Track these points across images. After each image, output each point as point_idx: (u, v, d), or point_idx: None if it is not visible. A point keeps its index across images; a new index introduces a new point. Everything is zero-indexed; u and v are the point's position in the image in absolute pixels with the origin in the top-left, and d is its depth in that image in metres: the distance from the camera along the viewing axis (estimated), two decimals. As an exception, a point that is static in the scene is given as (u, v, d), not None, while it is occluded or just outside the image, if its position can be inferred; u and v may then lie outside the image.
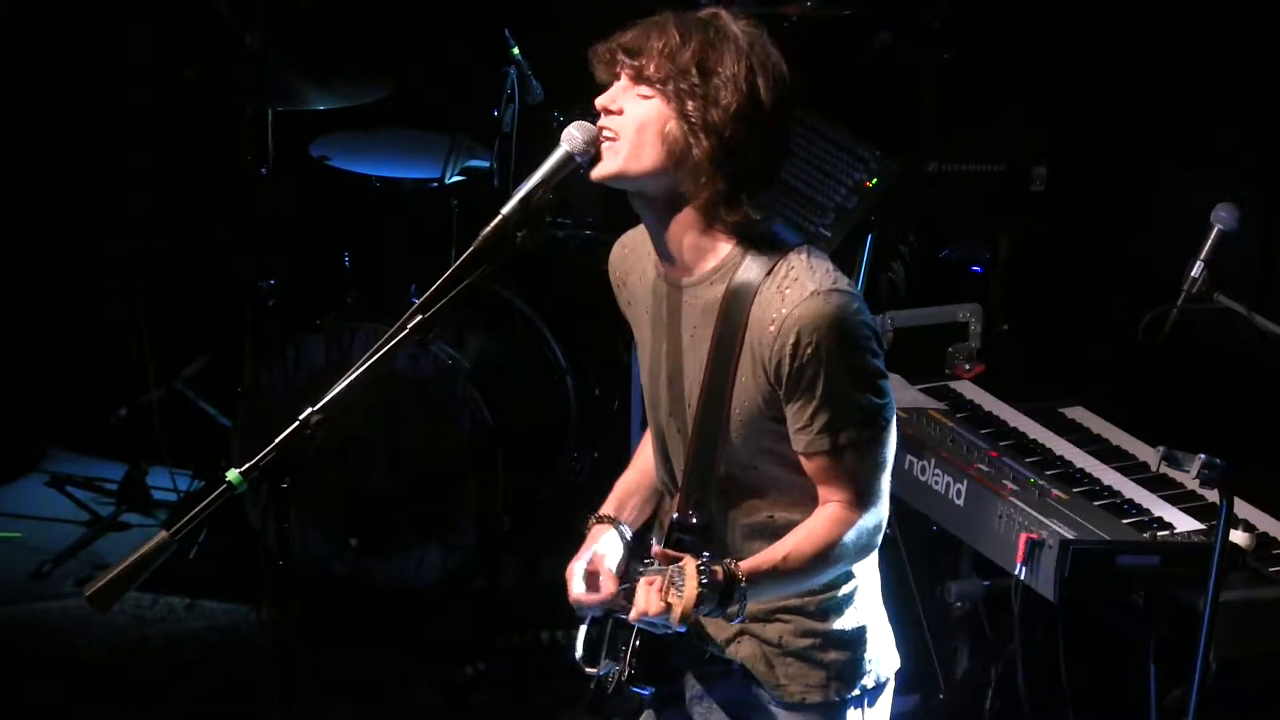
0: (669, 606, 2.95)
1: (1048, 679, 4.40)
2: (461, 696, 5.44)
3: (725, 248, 3.12)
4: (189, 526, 2.90)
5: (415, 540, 5.74)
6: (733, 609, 3.04)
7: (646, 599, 2.99)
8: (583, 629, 3.29)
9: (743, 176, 3.07)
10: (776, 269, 3.08)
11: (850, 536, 3.12)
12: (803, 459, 3.12)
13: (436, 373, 5.70)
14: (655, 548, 3.17)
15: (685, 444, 3.22)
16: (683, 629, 3.00)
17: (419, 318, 3.00)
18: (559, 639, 5.60)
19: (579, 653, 3.29)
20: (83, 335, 6.71)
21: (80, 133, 6.60)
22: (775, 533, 3.18)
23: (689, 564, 2.95)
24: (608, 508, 3.39)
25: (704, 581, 2.94)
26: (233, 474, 2.89)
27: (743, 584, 3.02)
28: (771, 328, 3.05)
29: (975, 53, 5.83)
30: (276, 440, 2.92)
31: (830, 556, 3.13)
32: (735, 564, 3.04)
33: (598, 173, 3.11)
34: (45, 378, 6.66)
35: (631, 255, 3.33)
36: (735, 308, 3.10)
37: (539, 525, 5.98)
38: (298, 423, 2.92)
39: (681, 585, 2.95)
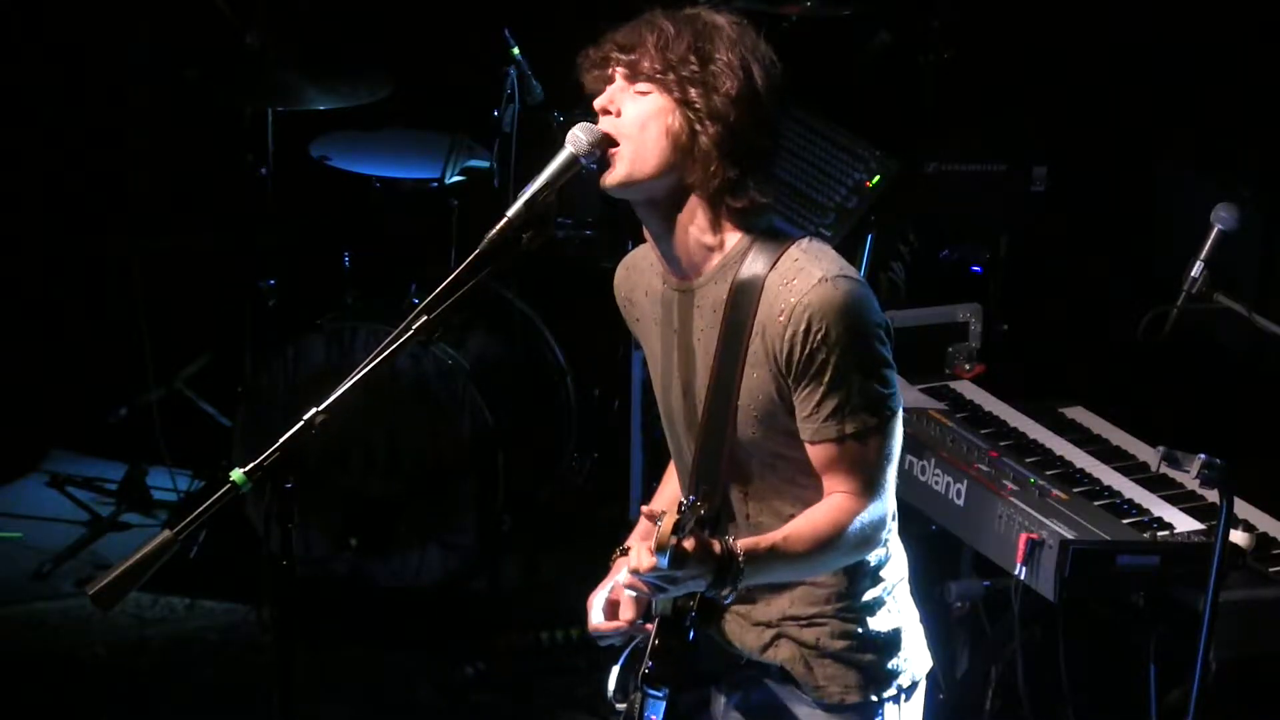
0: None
1: (1048, 679, 4.40)
2: (461, 696, 5.44)
3: (731, 240, 3.12)
4: (192, 526, 2.90)
5: (415, 541, 5.74)
6: (726, 589, 3.03)
7: (637, 557, 2.96)
8: (615, 668, 3.28)
9: (747, 161, 3.08)
10: (782, 260, 3.09)
11: (853, 527, 3.11)
12: (809, 448, 3.11)
13: (436, 373, 5.70)
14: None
15: (694, 444, 3.22)
16: (663, 560, 2.91)
17: (424, 318, 3.00)
18: (559, 639, 5.60)
19: (611, 690, 3.27)
20: (83, 335, 6.71)
21: (80, 133, 6.60)
22: None
23: (672, 508, 2.95)
24: (633, 540, 3.36)
25: (682, 513, 2.90)
26: (236, 474, 2.89)
27: (740, 559, 3.01)
28: (781, 317, 3.06)
29: (975, 53, 5.84)
30: (280, 440, 2.92)
31: (831, 544, 3.11)
32: (734, 541, 3.04)
33: (608, 180, 3.11)
34: (45, 378, 6.66)
35: (634, 273, 3.32)
36: (742, 301, 3.10)
37: (539, 525, 5.98)
38: (302, 423, 2.92)
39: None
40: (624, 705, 3.25)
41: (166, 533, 2.90)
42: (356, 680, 5.49)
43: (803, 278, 3.06)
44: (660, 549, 2.91)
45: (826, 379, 3.05)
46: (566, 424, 6.10)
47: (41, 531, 6.18)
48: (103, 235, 6.58)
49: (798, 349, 3.05)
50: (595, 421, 6.17)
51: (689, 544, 2.95)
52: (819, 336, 3.04)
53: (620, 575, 3.20)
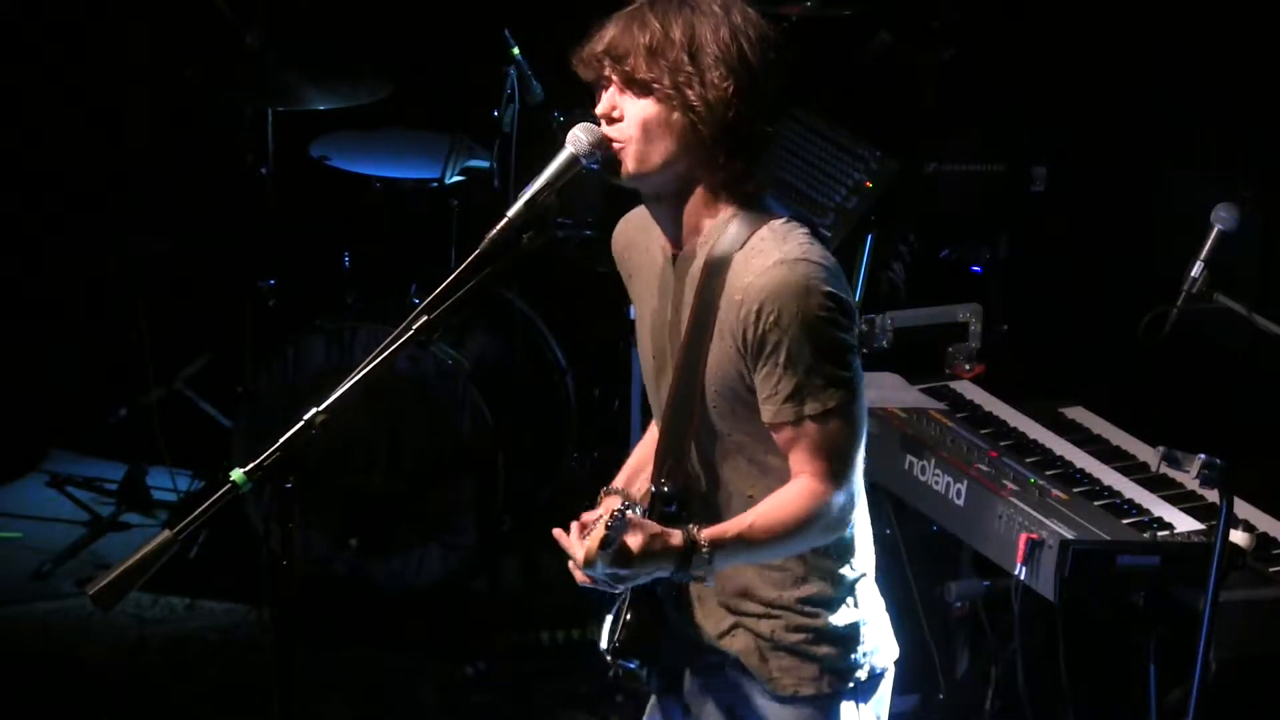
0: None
1: (1048, 679, 4.40)
2: (461, 696, 5.44)
3: (718, 215, 3.14)
4: (192, 526, 2.90)
5: (415, 540, 5.74)
6: (698, 572, 3.05)
7: (583, 549, 3.01)
8: (608, 619, 3.29)
9: (751, 147, 3.10)
10: (751, 238, 3.10)
11: (818, 511, 3.12)
12: (771, 430, 3.12)
13: (436, 373, 5.70)
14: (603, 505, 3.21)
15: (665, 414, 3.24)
16: (593, 573, 2.99)
17: (424, 319, 3.00)
18: (559, 639, 5.60)
19: (604, 643, 3.29)
20: (83, 335, 6.71)
21: (80, 133, 6.60)
22: None
23: (606, 512, 2.97)
24: (618, 480, 3.40)
25: (610, 526, 2.93)
26: (236, 474, 2.89)
27: (704, 548, 3.04)
28: (738, 296, 3.07)
29: (975, 53, 5.84)
30: (281, 440, 2.92)
31: (798, 528, 3.12)
32: (698, 529, 3.06)
33: (616, 177, 3.12)
34: (45, 378, 6.66)
35: (634, 230, 3.34)
36: (713, 276, 3.12)
37: (539, 525, 5.96)
38: (302, 423, 2.92)
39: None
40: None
41: (166, 533, 2.90)
42: (357, 681, 5.49)
43: (761, 258, 3.07)
44: (588, 564, 2.97)
45: (781, 361, 3.06)
46: (566, 424, 6.10)
47: (41, 531, 6.18)
48: (103, 235, 6.58)
49: (750, 330, 3.06)
50: (595, 421, 6.17)
51: (634, 542, 3.00)
52: (770, 319, 3.04)
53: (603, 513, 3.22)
